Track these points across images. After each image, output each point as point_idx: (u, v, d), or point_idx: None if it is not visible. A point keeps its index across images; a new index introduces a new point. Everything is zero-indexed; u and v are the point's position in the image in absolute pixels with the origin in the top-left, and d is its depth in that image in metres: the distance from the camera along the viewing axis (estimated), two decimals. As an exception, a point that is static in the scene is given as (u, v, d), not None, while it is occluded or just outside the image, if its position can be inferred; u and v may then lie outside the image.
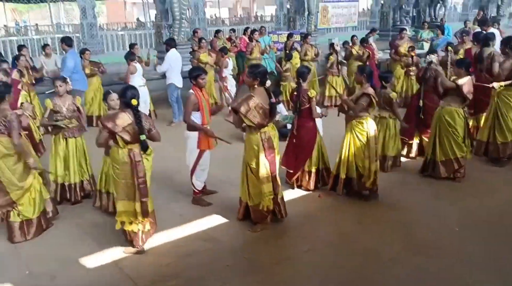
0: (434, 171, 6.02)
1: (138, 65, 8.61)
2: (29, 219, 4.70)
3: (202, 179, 5.46)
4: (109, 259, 4.34)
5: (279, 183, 4.79)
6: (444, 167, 5.94)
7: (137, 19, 26.65)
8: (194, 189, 5.44)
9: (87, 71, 8.84)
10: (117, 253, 4.42)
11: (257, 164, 4.61)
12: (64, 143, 5.44)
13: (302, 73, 5.61)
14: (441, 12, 16.40)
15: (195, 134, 5.20)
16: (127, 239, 4.43)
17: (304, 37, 11.04)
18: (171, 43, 8.92)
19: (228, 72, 9.65)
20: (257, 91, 4.56)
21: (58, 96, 5.43)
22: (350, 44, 10.59)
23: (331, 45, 10.37)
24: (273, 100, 4.55)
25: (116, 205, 4.37)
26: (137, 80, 8.36)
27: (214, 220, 5.05)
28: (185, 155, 5.39)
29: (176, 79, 8.85)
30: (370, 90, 5.27)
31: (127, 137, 4.15)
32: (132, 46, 9.33)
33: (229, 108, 4.91)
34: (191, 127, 5.19)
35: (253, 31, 11.06)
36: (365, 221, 4.99)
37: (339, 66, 10.09)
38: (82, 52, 9.10)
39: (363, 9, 26.89)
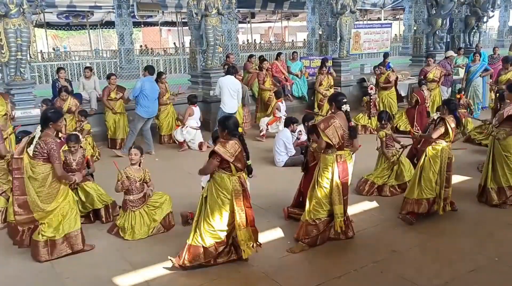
0: (484, 198, 5.88)
1: (196, 108, 8.99)
2: (53, 240, 4.67)
3: None
4: (141, 279, 4.37)
5: None
6: (497, 195, 5.77)
7: (140, 45, 27.00)
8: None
9: (112, 95, 9.01)
10: (149, 272, 4.45)
11: (329, 183, 4.70)
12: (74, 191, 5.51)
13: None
14: (475, 38, 16.16)
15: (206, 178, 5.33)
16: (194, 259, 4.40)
17: (320, 67, 11.12)
18: (229, 70, 9.25)
19: (281, 114, 9.77)
20: (338, 114, 4.72)
21: (70, 152, 5.55)
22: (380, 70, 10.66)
23: (366, 88, 10.44)
24: (351, 123, 4.68)
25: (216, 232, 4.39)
26: (193, 123, 8.86)
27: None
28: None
29: (224, 105, 8.97)
30: (450, 118, 5.29)
31: (239, 164, 4.31)
32: (159, 75, 9.34)
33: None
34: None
35: (263, 59, 11.04)
36: (400, 248, 4.86)
37: (373, 108, 10.03)
38: (108, 77, 9.29)
39: (395, 34, 26.82)
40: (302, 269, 4.54)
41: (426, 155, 5.37)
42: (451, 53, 12.65)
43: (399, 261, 4.61)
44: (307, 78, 12.25)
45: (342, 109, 4.71)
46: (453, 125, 5.30)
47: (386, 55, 12.89)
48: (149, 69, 8.86)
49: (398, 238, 5.11)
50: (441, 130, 5.28)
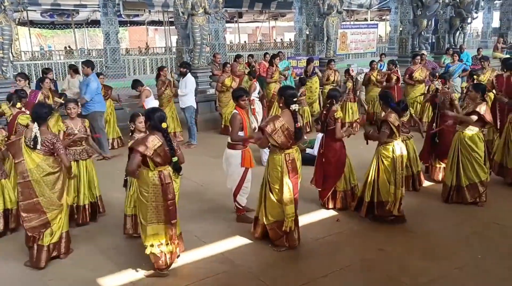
0: (459, 197, 5.88)
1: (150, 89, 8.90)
2: (55, 242, 4.57)
3: (245, 195, 5.52)
4: (126, 280, 4.32)
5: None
6: (470, 192, 5.83)
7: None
8: (239, 207, 5.48)
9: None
10: (134, 274, 4.40)
11: (280, 185, 4.64)
12: (74, 165, 5.40)
13: (333, 96, 5.69)
14: (460, 39, 16.37)
15: (238, 153, 5.28)
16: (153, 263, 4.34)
17: (328, 62, 11.16)
18: (188, 67, 9.24)
19: (255, 95, 9.76)
20: (284, 113, 4.62)
21: (70, 118, 5.53)
22: (369, 70, 10.67)
23: (347, 71, 10.48)
24: (298, 124, 4.58)
25: (144, 229, 4.25)
26: (152, 103, 8.65)
27: (232, 242, 5.01)
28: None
29: (194, 102, 9.16)
30: (390, 117, 5.22)
31: (158, 159, 4.14)
32: (161, 68, 9.65)
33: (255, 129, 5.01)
34: (240, 140, 5.26)
35: (275, 55, 11.21)
36: (387, 247, 4.88)
37: (357, 92, 10.15)
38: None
39: (381, 35, 27.01)
40: (289, 268, 4.53)
41: (377, 157, 5.34)
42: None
43: (385, 260, 4.63)
44: (294, 78, 12.24)
45: (291, 108, 4.55)
46: (397, 123, 5.21)
47: (383, 54, 12.97)
48: (91, 65, 8.41)
49: (384, 237, 5.12)
50: (387, 132, 5.20)
